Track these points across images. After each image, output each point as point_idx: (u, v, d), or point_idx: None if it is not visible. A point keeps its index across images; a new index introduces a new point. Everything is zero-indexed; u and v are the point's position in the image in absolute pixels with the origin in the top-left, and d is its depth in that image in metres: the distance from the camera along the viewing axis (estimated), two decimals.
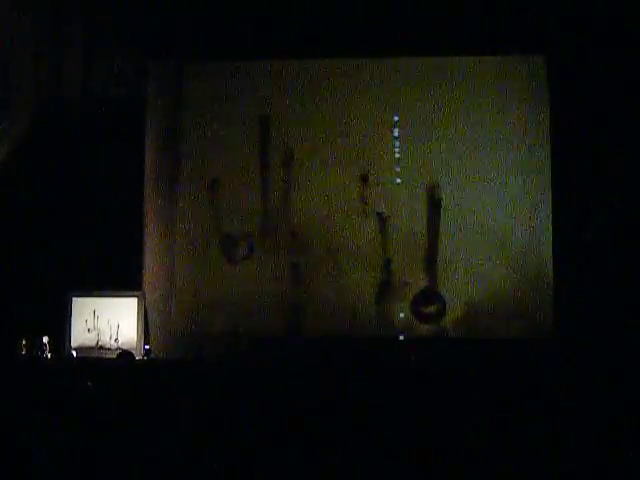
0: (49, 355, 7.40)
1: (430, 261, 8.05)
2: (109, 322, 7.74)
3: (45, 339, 7.43)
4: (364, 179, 8.17)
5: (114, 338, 7.69)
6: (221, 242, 8.24)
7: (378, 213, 8.13)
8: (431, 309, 7.98)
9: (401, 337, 7.87)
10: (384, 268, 8.08)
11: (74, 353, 7.56)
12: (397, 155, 8.17)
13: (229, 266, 8.19)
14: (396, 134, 8.18)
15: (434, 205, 8.09)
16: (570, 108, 7.81)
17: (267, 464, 5.07)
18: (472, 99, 8.10)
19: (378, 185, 8.15)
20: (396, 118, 8.18)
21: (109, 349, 7.59)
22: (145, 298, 7.91)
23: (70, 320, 7.70)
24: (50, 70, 8.33)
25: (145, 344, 7.71)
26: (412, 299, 8.00)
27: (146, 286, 8.14)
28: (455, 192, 8.07)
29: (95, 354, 7.57)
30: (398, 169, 8.16)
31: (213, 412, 5.59)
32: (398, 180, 8.16)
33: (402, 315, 8.01)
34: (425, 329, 7.96)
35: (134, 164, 8.26)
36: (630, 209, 7.64)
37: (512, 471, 5.00)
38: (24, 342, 7.39)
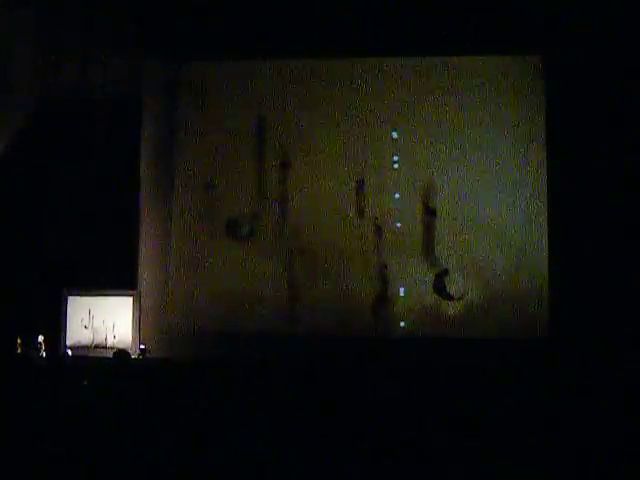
0: (44, 354, 7.38)
1: (426, 263, 8.05)
2: (104, 321, 7.72)
3: (40, 338, 7.41)
4: (360, 183, 8.16)
5: (110, 337, 7.68)
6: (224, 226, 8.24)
7: (374, 218, 8.11)
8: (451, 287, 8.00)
9: None
10: (380, 272, 8.07)
11: (69, 352, 7.53)
12: (394, 158, 8.16)
13: (225, 267, 8.17)
14: (393, 136, 8.18)
15: (430, 208, 8.09)
16: (567, 108, 7.81)
17: (266, 463, 5.05)
18: (469, 100, 8.09)
19: (374, 189, 8.14)
20: (393, 120, 8.17)
21: (105, 348, 7.57)
22: (141, 297, 7.88)
23: (65, 319, 7.68)
24: (48, 70, 8.32)
25: (140, 343, 7.68)
26: (433, 285, 8.01)
27: (141, 285, 8.13)
28: (451, 194, 8.06)
29: (91, 353, 7.56)
30: (395, 172, 8.15)
31: (210, 411, 5.58)
32: (394, 183, 8.15)
33: (398, 316, 8.02)
34: (423, 330, 7.96)
35: (131, 163, 8.26)
36: (628, 208, 7.65)
37: (510, 470, 5.00)
38: (19, 341, 7.38)
